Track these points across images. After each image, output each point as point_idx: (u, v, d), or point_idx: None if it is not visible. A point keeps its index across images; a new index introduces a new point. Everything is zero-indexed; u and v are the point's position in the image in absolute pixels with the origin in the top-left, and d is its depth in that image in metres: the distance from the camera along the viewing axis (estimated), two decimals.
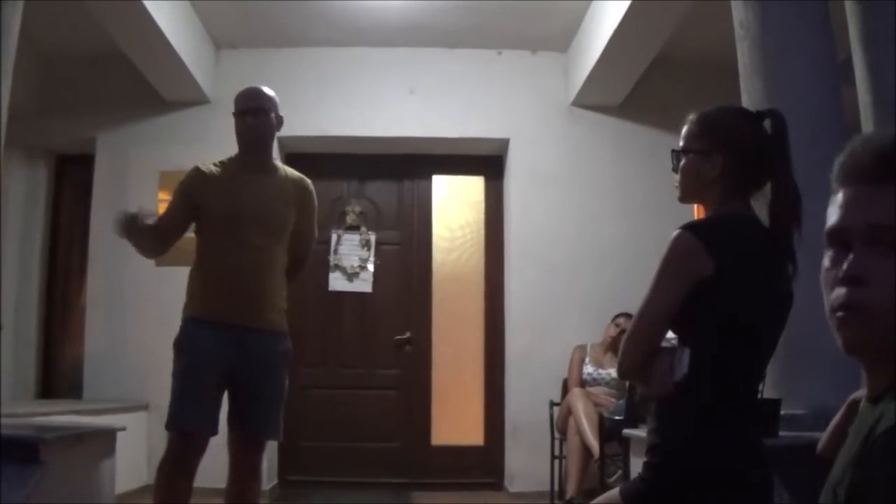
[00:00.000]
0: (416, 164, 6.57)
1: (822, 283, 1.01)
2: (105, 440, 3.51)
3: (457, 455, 6.33)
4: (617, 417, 4.66)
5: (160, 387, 3.15)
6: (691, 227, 1.88)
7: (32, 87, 5.93)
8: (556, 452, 5.55)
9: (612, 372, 5.39)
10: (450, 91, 6.28)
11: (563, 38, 6.12)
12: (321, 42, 6.14)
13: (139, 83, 5.83)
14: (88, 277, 6.06)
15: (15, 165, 5.92)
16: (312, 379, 6.21)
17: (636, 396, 4.18)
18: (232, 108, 3.37)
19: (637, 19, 4.91)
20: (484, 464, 6.30)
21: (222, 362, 3.14)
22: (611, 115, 6.30)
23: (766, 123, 1.96)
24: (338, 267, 6.35)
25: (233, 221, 3.21)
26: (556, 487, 5.51)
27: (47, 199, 6.38)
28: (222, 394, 3.20)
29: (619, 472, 4.69)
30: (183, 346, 3.18)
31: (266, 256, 3.24)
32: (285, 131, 3.70)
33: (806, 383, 3.02)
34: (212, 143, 4.27)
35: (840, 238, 0.98)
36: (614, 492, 1.97)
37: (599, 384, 5.47)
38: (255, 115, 3.29)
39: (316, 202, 3.49)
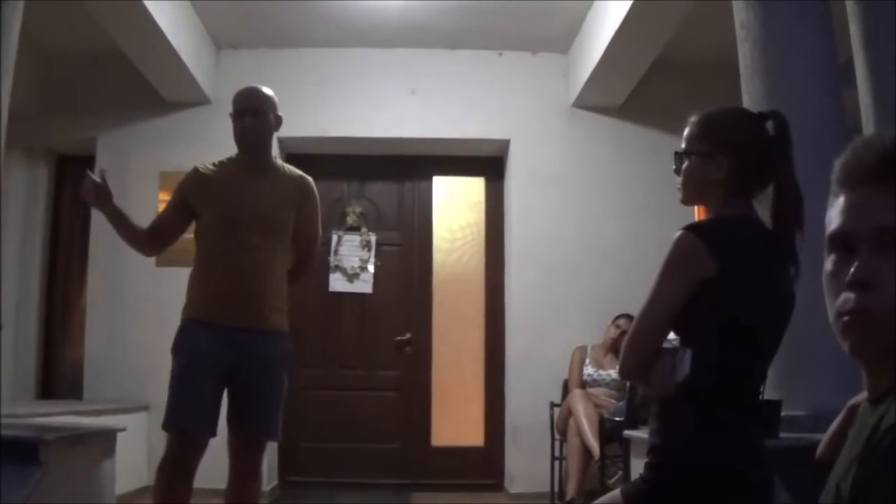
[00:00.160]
0: (416, 164, 6.57)
1: (825, 288, 1.00)
2: (105, 441, 3.50)
3: (457, 456, 6.33)
4: (617, 418, 4.65)
5: (160, 387, 3.15)
6: (693, 228, 1.88)
7: (33, 87, 5.93)
8: (557, 453, 5.55)
9: (613, 373, 5.39)
10: (450, 92, 6.28)
11: (563, 40, 6.12)
12: (322, 43, 6.14)
13: (139, 83, 5.83)
14: (89, 278, 6.06)
15: (15, 166, 5.92)
16: (313, 380, 6.21)
17: (637, 398, 4.17)
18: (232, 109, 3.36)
19: (638, 21, 4.91)
20: (484, 465, 6.30)
21: (220, 363, 3.13)
22: (611, 117, 6.30)
23: (769, 125, 1.96)
24: (338, 268, 6.35)
25: (231, 222, 3.20)
26: (557, 488, 5.51)
27: (48, 200, 6.38)
28: (221, 395, 3.19)
29: (620, 473, 4.69)
30: (180, 346, 3.18)
31: (265, 257, 3.22)
32: (286, 132, 3.70)
33: (806, 385, 3.02)
34: (212, 143, 4.27)
35: (844, 241, 0.97)
36: (616, 492, 1.97)
37: (600, 385, 5.47)
38: (252, 115, 3.27)
39: (318, 200, 3.45)
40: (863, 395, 1.03)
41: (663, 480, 1.85)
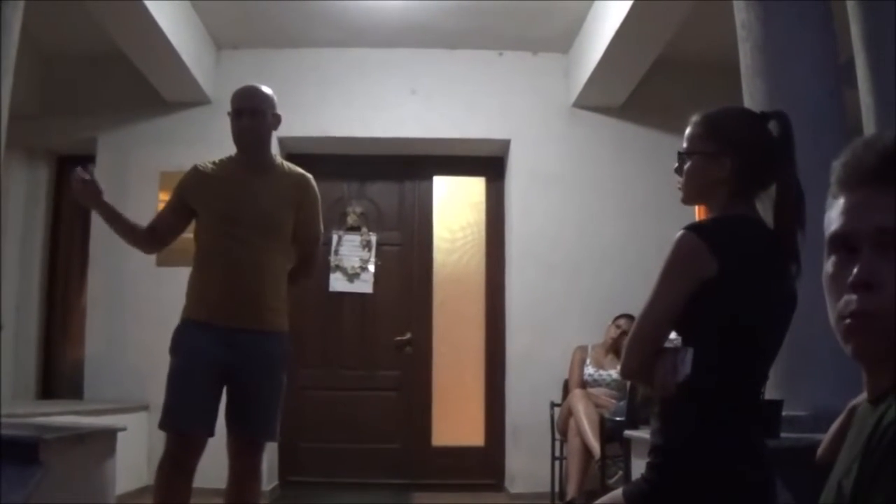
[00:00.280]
0: (417, 164, 6.57)
1: (826, 289, 1.00)
2: (105, 440, 3.50)
3: (457, 456, 6.33)
4: (618, 418, 4.65)
5: (160, 387, 3.14)
6: (695, 228, 1.88)
7: (33, 87, 5.93)
8: (557, 453, 5.55)
9: (613, 373, 5.39)
10: (451, 92, 6.28)
11: (564, 40, 6.12)
12: (322, 43, 6.14)
13: (140, 84, 5.83)
14: (89, 278, 6.06)
15: (16, 166, 5.92)
16: (313, 380, 6.21)
17: (637, 397, 4.17)
18: None
19: (638, 21, 4.90)
20: (484, 465, 6.30)
21: (218, 363, 3.12)
22: (612, 117, 6.30)
23: (771, 125, 1.96)
24: (338, 268, 6.35)
25: (229, 221, 3.20)
26: (557, 488, 5.51)
27: (48, 200, 6.38)
28: (219, 395, 3.18)
29: (620, 473, 4.69)
30: (178, 346, 3.18)
31: (265, 257, 3.21)
32: (286, 132, 3.70)
33: (807, 385, 3.02)
34: (212, 143, 4.26)
35: (845, 243, 0.97)
36: (617, 492, 1.97)
37: (600, 385, 5.47)
38: (250, 115, 3.26)
39: (318, 198, 3.42)
40: (863, 397, 1.03)
41: (665, 480, 1.85)
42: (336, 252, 6.35)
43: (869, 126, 3.19)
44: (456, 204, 6.67)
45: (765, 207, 1.97)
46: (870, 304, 0.92)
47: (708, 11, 4.78)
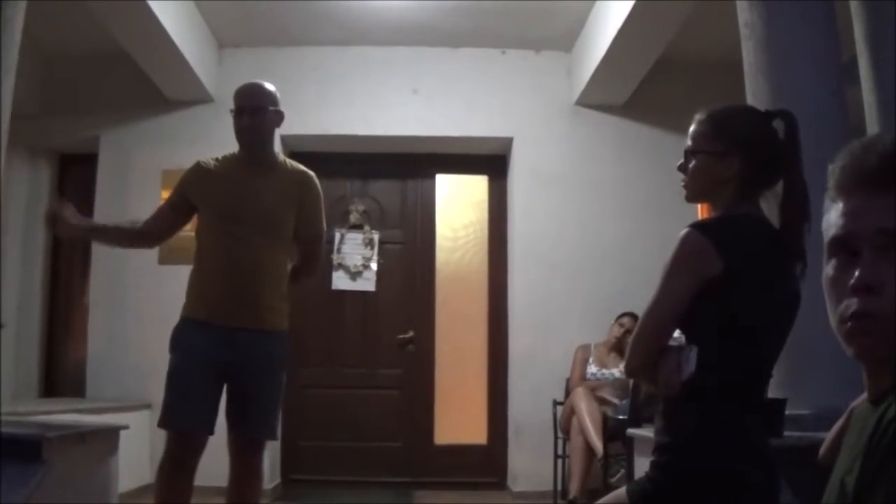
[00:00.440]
0: (419, 163, 6.57)
1: (826, 293, 0.99)
2: (108, 439, 3.49)
3: (459, 454, 6.32)
4: (620, 417, 4.64)
5: (162, 386, 3.15)
6: (700, 226, 1.87)
7: (35, 86, 5.94)
8: (560, 452, 5.55)
9: (616, 372, 5.39)
10: (453, 90, 6.27)
11: (566, 38, 6.11)
12: (324, 41, 6.13)
13: (142, 82, 5.83)
14: (91, 277, 6.06)
15: (17, 165, 5.92)
16: (315, 378, 6.21)
17: (640, 396, 4.16)
18: None
19: (641, 19, 4.90)
20: (487, 463, 6.30)
21: (217, 362, 3.12)
22: (614, 115, 6.29)
23: (776, 123, 1.95)
24: (341, 266, 6.35)
25: (230, 220, 3.19)
26: (559, 487, 5.51)
27: (50, 199, 6.37)
28: (219, 393, 3.18)
29: (623, 471, 4.68)
30: (177, 345, 3.18)
31: (265, 256, 3.21)
32: (288, 130, 3.69)
33: (810, 383, 3.02)
34: (215, 141, 4.26)
35: (845, 246, 0.96)
36: (620, 491, 1.97)
37: (603, 384, 5.46)
38: (251, 113, 3.25)
39: (321, 196, 3.41)
40: (863, 398, 1.03)
41: (669, 480, 1.85)
42: (338, 250, 6.35)
43: (872, 124, 3.18)
44: (458, 202, 6.67)
45: (769, 206, 1.96)
46: (871, 306, 0.92)
47: (710, 11, 4.78)
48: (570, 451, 5.26)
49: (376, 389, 6.32)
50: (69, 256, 6.39)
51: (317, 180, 3.40)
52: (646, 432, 3.14)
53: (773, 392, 2.91)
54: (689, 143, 2.03)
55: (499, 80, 6.30)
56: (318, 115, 6.10)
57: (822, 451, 1.71)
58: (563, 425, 5.46)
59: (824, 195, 1.02)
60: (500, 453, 6.23)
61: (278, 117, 3.36)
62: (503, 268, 6.45)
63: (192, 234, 3.36)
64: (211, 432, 3.13)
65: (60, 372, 6.27)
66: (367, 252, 6.39)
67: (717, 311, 1.84)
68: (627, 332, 5.27)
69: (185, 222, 3.39)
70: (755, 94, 3.38)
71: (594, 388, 5.40)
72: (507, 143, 6.35)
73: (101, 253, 5.88)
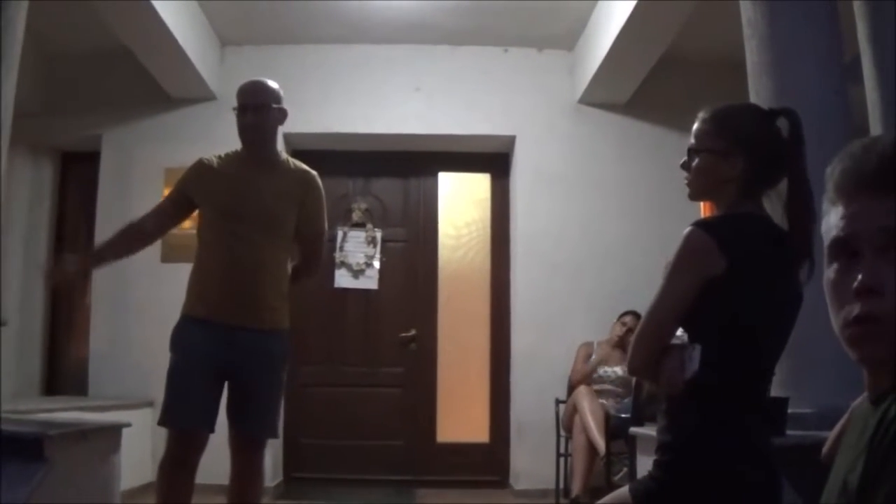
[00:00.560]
0: (421, 161, 6.57)
1: (828, 296, 0.99)
2: (110, 437, 3.49)
3: (462, 453, 6.33)
4: (623, 415, 4.64)
5: (164, 384, 3.15)
6: (704, 225, 1.87)
7: (37, 84, 5.94)
8: (562, 450, 5.55)
9: (619, 370, 5.39)
10: (455, 88, 6.27)
11: (569, 37, 6.11)
12: (326, 39, 6.13)
13: (144, 80, 5.83)
14: (93, 275, 6.05)
15: (20, 163, 5.92)
16: (317, 376, 6.22)
17: (642, 395, 4.16)
18: None
19: (644, 18, 4.90)
20: (489, 462, 6.30)
21: (217, 361, 3.11)
22: (617, 114, 6.29)
23: (780, 122, 1.94)
24: (343, 264, 6.35)
25: (232, 218, 3.19)
26: (562, 485, 5.51)
27: (52, 197, 6.39)
28: (220, 392, 3.18)
29: (625, 470, 4.68)
30: (177, 343, 3.18)
31: (266, 254, 3.20)
32: (290, 128, 3.69)
33: (812, 382, 3.02)
34: (217, 139, 4.26)
35: (846, 248, 0.96)
36: (623, 490, 1.96)
37: (605, 382, 5.46)
38: (254, 111, 3.24)
39: (323, 195, 3.40)
40: (863, 398, 1.03)
41: (672, 478, 1.85)
42: (341, 248, 6.35)
43: (875, 123, 3.18)
44: (461, 200, 6.67)
45: (772, 205, 1.95)
46: (874, 308, 0.91)
47: (712, 9, 4.78)
48: (573, 449, 5.26)
49: (379, 387, 6.33)
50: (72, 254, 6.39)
51: (319, 180, 3.39)
52: (648, 431, 3.14)
53: (775, 391, 2.90)
54: (692, 141, 2.02)
55: (501, 79, 6.29)
56: (321, 113, 6.09)
57: (824, 450, 1.70)
58: (566, 423, 5.46)
59: (823, 197, 1.01)
60: (502, 452, 6.23)
61: (281, 115, 3.34)
62: (505, 266, 6.44)
63: (194, 232, 3.35)
64: (211, 430, 3.13)
65: (62, 370, 6.27)
66: (370, 250, 6.39)
67: (719, 310, 1.83)
68: (629, 330, 5.27)
69: (184, 218, 3.39)
70: (758, 93, 3.38)
71: (595, 387, 5.41)
72: (510, 141, 6.35)
73: None
